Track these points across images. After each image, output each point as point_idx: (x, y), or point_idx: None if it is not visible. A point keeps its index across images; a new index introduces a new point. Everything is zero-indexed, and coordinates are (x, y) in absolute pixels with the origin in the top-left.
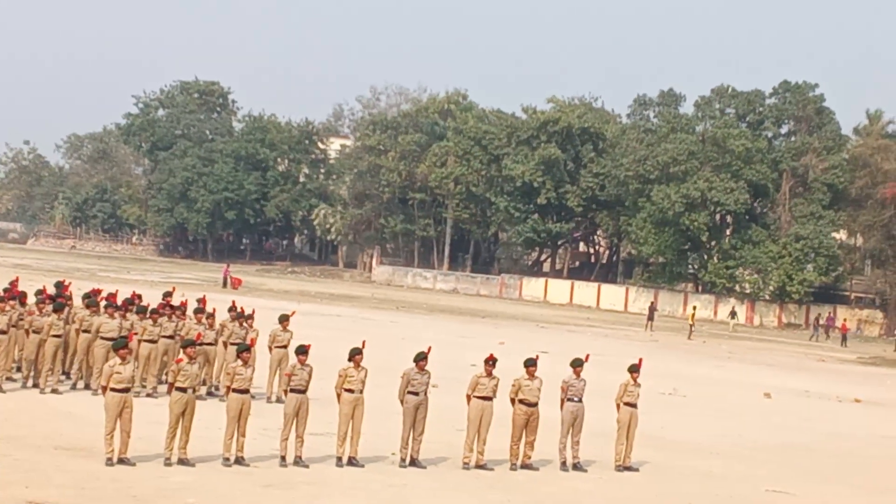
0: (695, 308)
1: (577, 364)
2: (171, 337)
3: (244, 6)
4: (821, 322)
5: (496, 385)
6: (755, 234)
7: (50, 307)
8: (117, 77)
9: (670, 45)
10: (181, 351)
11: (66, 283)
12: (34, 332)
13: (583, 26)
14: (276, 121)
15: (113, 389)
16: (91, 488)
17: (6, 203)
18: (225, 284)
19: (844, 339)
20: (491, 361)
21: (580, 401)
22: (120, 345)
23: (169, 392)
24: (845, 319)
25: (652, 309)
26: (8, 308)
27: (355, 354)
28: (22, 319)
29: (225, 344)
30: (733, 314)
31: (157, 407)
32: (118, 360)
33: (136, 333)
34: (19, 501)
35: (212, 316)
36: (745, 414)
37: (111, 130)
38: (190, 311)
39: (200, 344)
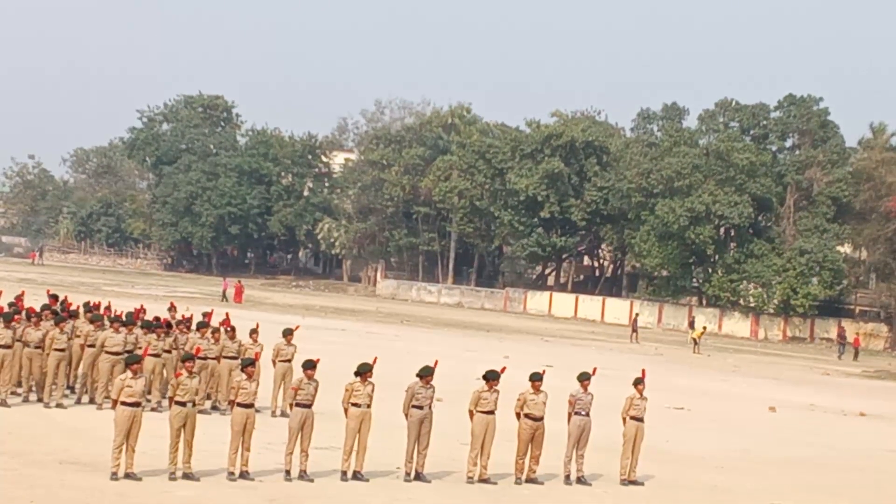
0: (704, 328)
1: (584, 378)
2: (168, 351)
3: (248, 20)
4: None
5: (497, 399)
6: (759, 248)
7: (49, 322)
8: (122, 91)
9: (674, 58)
10: (181, 365)
11: (65, 297)
12: (24, 344)
13: (586, 40)
14: (279, 135)
15: (124, 403)
16: (97, 503)
17: (11, 217)
18: (224, 298)
19: (857, 352)
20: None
21: (587, 415)
22: (134, 360)
23: (170, 406)
24: (857, 333)
25: (635, 320)
26: (13, 322)
27: (365, 371)
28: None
29: (218, 358)
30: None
31: (162, 421)
32: (130, 374)
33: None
34: None
35: (217, 331)
36: (750, 428)
37: (116, 145)
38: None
39: (203, 358)
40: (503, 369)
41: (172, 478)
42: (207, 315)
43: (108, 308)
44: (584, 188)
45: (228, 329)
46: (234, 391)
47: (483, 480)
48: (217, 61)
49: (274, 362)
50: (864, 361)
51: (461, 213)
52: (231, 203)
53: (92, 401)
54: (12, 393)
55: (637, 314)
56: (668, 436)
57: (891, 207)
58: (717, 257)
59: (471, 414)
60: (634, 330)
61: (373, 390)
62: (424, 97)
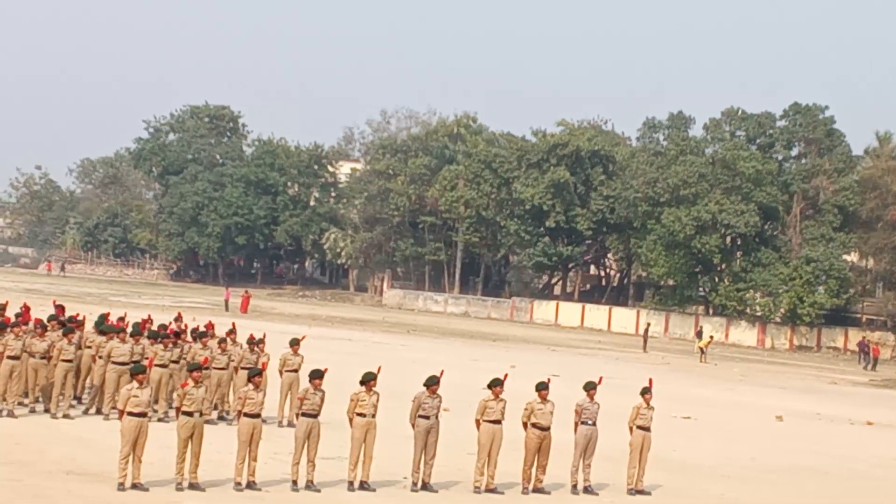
0: (711, 337)
1: (590, 387)
2: (175, 361)
3: (254, 30)
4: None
5: (504, 407)
6: (765, 257)
7: (56, 333)
8: (128, 101)
9: (680, 67)
10: (187, 375)
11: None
12: (30, 355)
13: (592, 49)
14: (285, 145)
15: (130, 413)
16: None
17: (18, 228)
18: (227, 307)
19: (875, 361)
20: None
21: (594, 424)
22: (139, 370)
23: (176, 416)
24: (877, 343)
25: (647, 330)
26: (21, 333)
27: (369, 380)
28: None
29: (236, 369)
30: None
31: (169, 432)
32: (136, 384)
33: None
34: None
35: (224, 341)
36: (756, 437)
37: (122, 155)
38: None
39: (208, 368)
40: (506, 376)
41: (179, 488)
42: (208, 325)
43: (121, 319)
44: (590, 197)
45: (253, 341)
46: (241, 401)
47: (490, 490)
48: (223, 72)
49: (281, 372)
50: (871, 370)
51: (467, 223)
52: (237, 213)
53: (98, 411)
54: (19, 403)
55: (649, 324)
56: (675, 445)
57: None
58: (723, 266)
59: (477, 423)
60: (646, 340)
61: (378, 400)
62: (430, 107)
